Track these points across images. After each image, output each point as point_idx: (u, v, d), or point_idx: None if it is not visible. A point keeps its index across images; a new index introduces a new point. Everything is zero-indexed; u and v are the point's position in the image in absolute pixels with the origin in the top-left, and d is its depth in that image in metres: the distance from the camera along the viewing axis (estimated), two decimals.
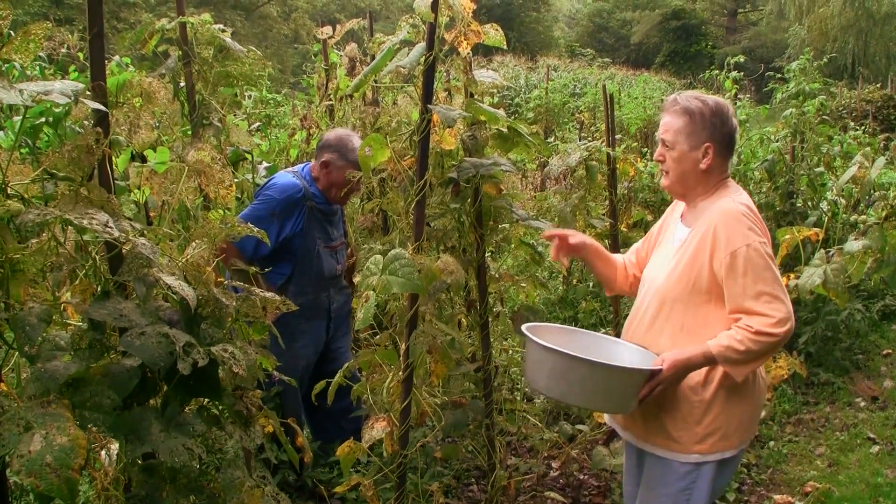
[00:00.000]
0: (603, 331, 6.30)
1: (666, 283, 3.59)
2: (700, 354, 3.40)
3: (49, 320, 2.41)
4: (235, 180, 3.67)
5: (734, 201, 3.48)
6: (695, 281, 3.48)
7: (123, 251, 2.63)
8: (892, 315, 9.65)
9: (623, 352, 3.75)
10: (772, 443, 6.58)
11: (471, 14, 3.75)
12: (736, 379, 3.41)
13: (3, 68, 7.49)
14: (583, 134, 15.38)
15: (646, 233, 4.28)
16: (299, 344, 5.18)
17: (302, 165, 5.46)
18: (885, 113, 24.00)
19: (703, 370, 3.46)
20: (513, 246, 5.03)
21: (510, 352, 5.44)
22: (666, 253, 3.75)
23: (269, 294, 3.12)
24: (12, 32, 2.50)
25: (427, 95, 3.79)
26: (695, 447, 3.48)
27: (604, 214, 6.39)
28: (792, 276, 5.70)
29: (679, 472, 3.54)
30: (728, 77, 9.89)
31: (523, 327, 3.57)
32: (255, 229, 3.22)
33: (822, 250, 5.63)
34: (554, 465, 5.97)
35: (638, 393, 3.41)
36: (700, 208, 3.61)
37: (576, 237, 4.05)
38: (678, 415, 3.50)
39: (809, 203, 8.44)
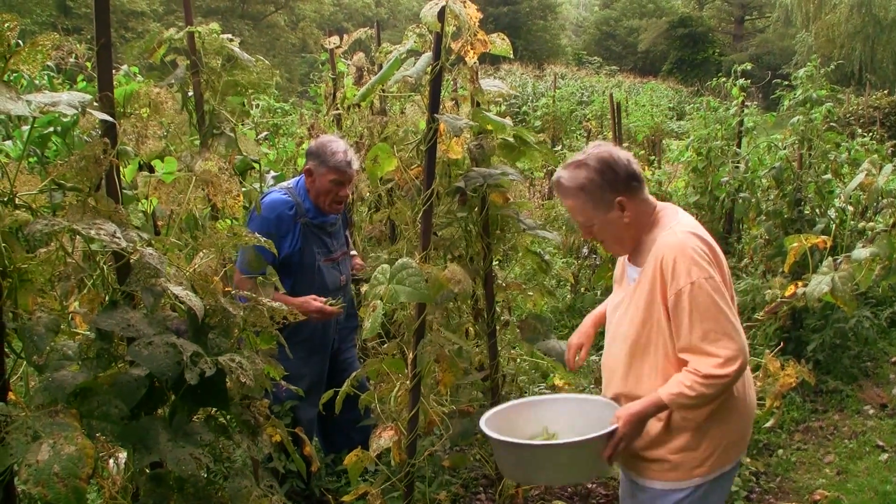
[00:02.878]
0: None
1: (629, 330, 3.49)
2: (652, 404, 3.34)
3: (57, 330, 2.42)
4: (243, 190, 3.67)
5: (675, 232, 3.38)
6: (655, 323, 3.39)
7: (131, 261, 2.64)
8: None
9: (591, 409, 3.68)
10: (780, 451, 6.57)
11: (477, 23, 3.75)
12: (695, 419, 3.37)
13: (12, 79, 7.52)
14: (590, 142, 15.38)
15: None
16: (309, 358, 5.16)
17: (296, 179, 5.41)
18: (893, 119, 24.03)
19: None
20: (520, 255, 5.03)
21: (518, 360, 5.43)
22: (623, 295, 3.65)
23: (276, 304, 3.12)
24: (21, 42, 2.50)
25: (434, 105, 3.80)
26: (695, 471, 3.43)
27: None
28: (800, 283, 5.68)
29: (678, 497, 3.49)
30: (735, 84, 9.89)
31: (482, 423, 3.50)
32: (263, 239, 3.23)
33: (830, 258, 5.60)
34: None
35: (602, 456, 3.37)
36: (645, 245, 3.50)
37: (586, 338, 4.07)
38: (676, 444, 3.43)
39: (817, 210, 8.42)
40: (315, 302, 4.86)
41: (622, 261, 3.75)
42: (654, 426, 3.43)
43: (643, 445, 3.47)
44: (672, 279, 3.27)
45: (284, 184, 5.39)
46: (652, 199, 3.56)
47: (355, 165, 5.14)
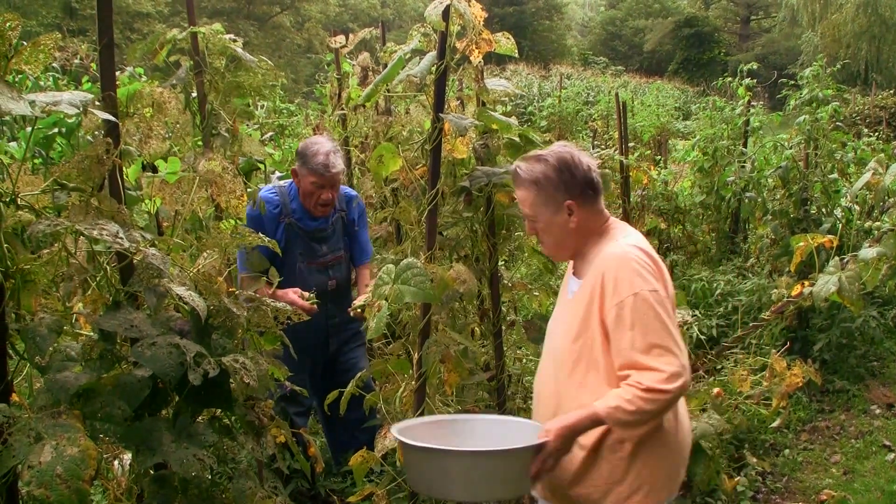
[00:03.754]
0: None
1: (561, 345, 3.38)
2: (587, 418, 3.15)
3: (60, 331, 2.41)
4: (248, 190, 3.67)
5: (620, 244, 3.28)
6: (590, 339, 3.24)
7: (134, 262, 2.63)
8: None
9: (515, 430, 3.43)
10: (787, 451, 6.56)
11: (482, 22, 3.74)
12: (629, 439, 3.20)
13: (16, 79, 7.53)
14: (596, 142, 15.39)
15: (660, 241, 4.23)
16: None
17: (291, 180, 5.38)
18: None
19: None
20: (526, 254, 5.03)
21: (524, 360, 5.42)
22: (563, 308, 3.54)
23: (280, 304, 3.12)
24: (24, 42, 2.50)
25: (439, 104, 3.79)
26: (596, 492, 3.27)
27: None
28: (806, 283, 5.67)
29: None
30: (741, 84, 9.89)
31: (393, 430, 3.27)
32: (267, 239, 3.22)
33: (837, 257, 5.60)
34: None
35: (529, 472, 3.15)
36: (589, 257, 3.38)
37: None
38: (600, 477, 3.27)
39: (823, 210, 8.41)
40: (292, 294, 4.80)
41: (568, 272, 3.64)
42: (577, 455, 3.27)
43: (568, 480, 3.32)
44: (614, 291, 3.15)
45: (280, 182, 5.38)
46: (606, 213, 3.47)
47: (336, 168, 5.06)
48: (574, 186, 3.32)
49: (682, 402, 3.39)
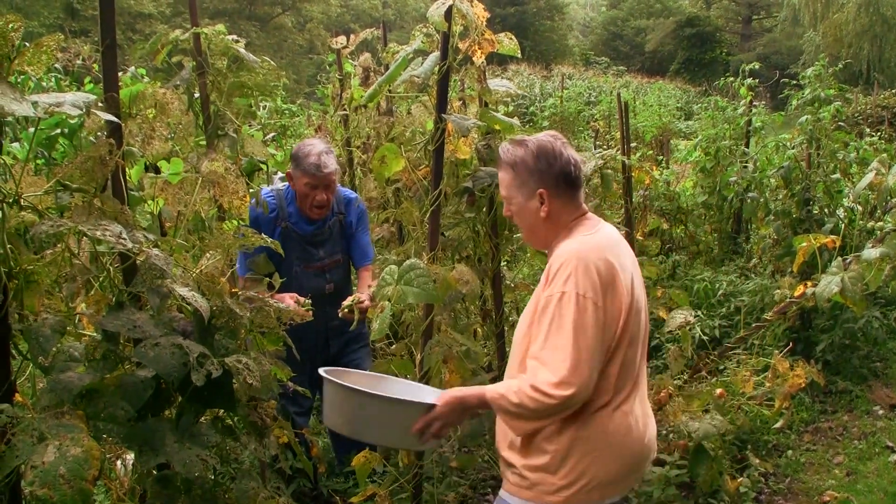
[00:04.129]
0: None
1: (517, 337, 3.39)
2: (475, 396, 3.25)
3: (63, 331, 2.42)
4: (250, 191, 3.67)
5: (578, 240, 3.25)
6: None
7: (137, 262, 2.63)
8: None
9: (427, 396, 3.55)
10: (790, 451, 6.55)
11: (484, 23, 3.75)
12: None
13: (19, 80, 7.54)
14: (598, 142, 15.38)
15: (662, 241, 4.22)
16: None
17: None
18: None
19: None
20: (528, 255, 5.02)
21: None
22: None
23: (283, 305, 3.12)
24: (27, 44, 2.50)
25: (441, 105, 3.79)
26: (547, 498, 3.24)
27: (619, 223, 6.36)
28: (809, 283, 5.67)
29: None
30: (743, 84, 9.88)
31: (322, 370, 3.41)
32: (269, 240, 3.23)
33: (840, 258, 5.60)
34: None
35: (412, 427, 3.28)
36: (554, 252, 3.34)
37: None
38: (534, 461, 3.26)
39: (826, 210, 8.40)
40: (288, 299, 4.79)
41: None
42: (516, 439, 3.31)
43: (506, 445, 3.36)
44: (550, 283, 3.14)
45: (279, 186, 5.37)
46: (582, 209, 3.42)
47: (329, 168, 5.03)
48: (549, 176, 3.31)
49: (639, 407, 3.35)
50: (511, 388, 3.10)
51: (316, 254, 5.32)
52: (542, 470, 3.24)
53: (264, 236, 3.21)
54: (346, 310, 4.73)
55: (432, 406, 3.25)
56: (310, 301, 4.66)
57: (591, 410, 3.18)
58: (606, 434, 3.21)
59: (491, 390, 3.18)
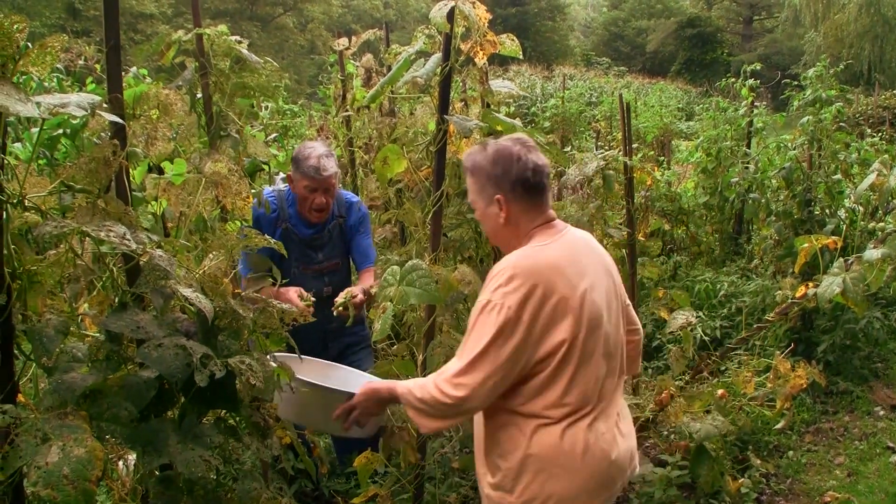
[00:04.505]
0: None
1: None
2: (388, 389, 3.36)
3: (66, 332, 2.42)
4: (252, 191, 3.67)
5: (524, 250, 3.21)
6: None
7: (141, 263, 2.64)
8: None
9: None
10: (791, 452, 6.55)
11: (486, 24, 3.74)
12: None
13: (21, 80, 7.54)
14: (599, 143, 15.36)
15: (663, 242, 4.20)
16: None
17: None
18: None
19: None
20: None
21: None
22: None
23: (286, 305, 3.12)
24: (30, 44, 2.50)
25: (443, 106, 3.79)
26: (493, 494, 3.27)
27: (621, 224, 6.36)
28: (810, 284, 5.67)
29: None
30: (744, 85, 9.88)
31: (279, 354, 3.37)
32: (273, 241, 3.23)
33: (841, 259, 5.59)
34: None
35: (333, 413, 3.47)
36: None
37: None
38: (496, 482, 3.27)
39: (827, 211, 8.40)
40: (293, 293, 4.78)
41: None
42: (477, 454, 3.42)
43: (480, 458, 3.40)
44: (483, 290, 3.16)
45: (280, 186, 5.37)
46: (547, 215, 3.34)
47: (328, 171, 5.03)
48: (505, 182, 3.25)
49: (602, 425, 3.26)
50: (419, 383, 3.20)
51: (315, 257, 5.33)
52: (499, 488, 3.26)
53: (267, 237, 3.21)
54: (339, 307, 4.72)
55: (351, 395, 3.41)
56: (312, 298, 4.67)
57: (536, 427, 3.16)
58: (559, 452, 3.17)
59: (402, 385, 3.28)
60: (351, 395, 3.42)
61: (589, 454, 3.20)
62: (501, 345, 3.02)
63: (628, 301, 3.69)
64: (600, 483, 3.26)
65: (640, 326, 3.81)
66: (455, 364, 3.09)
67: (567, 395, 3.13)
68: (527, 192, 3.26)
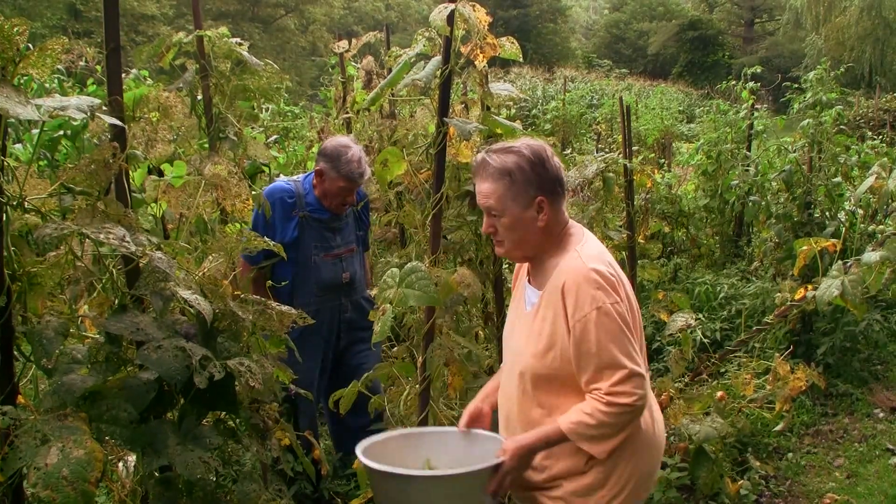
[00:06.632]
0: None
1: (530, 361, 3.22)
2: (546, 436, 3.10)
3: (66, 334, 2.42)
4: (253, 193, 3.67)
5: (579, 256, 3.13)
6: (560, 353, 3.11)
7: (140, 265, 2.64)
8: None
9: (478, 443, 3.38)
10: (790, 454, 6.55)
11: (487, 27, 3.74)
12: (599, 457, 3.09)
13: (21, 82, 7.55)
14: (600, 145, 15.39)
15: (663, 244, 4.18)
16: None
17: (306, 174, 5.45)
18: None
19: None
20: None
21: None
22: (522, 320, 3.36)
23: (285, 307, 3.13)
24: (31, 46, 2.51)
25: (443, 108, 3.79)
26: (576, 500, 3.18)
27: (621, 226, 6.36)
28: (810, 287, 5.68)
29: None
30: (745, 87, 9.89)
31: (358, 450, 3.16)
32: (272, 242, 3.23)
33: (840, 261, 5.60)
34: None
35: (485, 490, 3.07)
36: (548, 267, 3.25)
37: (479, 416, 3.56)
38: (583, 482, 3.17)
39: (827, 213, 8.41)
40: None
41: (522, 280, 3.50)
42: (554, 465, 3.22)
43: (542, 480, 3.25)
44: (576, 307, 3.03)
45: (294, 177, 5.42)
46: (566, 216, 3.32)
47: (368, 174, 5.11)
48: (546, 181, 3.18)
49: (652, 397, 3.30)
50: (583, 411, 3.02)
51: (333, 240, 5.35)
52: (591, 488, 3.16)
53: (266, 239, 3.21)
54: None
55: (498, 465, 3.07)
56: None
57: None
58: (640, 432, 3.19)
59: (565, 423, 3.05)
60: (495, 465, 3.08)
61: (657, 426, 3.30)
62: (629, 332, 3.03)
63: None
64: (662, 451, 3.37)
65: None
66: (611, 370, 2.99)
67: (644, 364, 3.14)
68: (560, 193, 3.23)
